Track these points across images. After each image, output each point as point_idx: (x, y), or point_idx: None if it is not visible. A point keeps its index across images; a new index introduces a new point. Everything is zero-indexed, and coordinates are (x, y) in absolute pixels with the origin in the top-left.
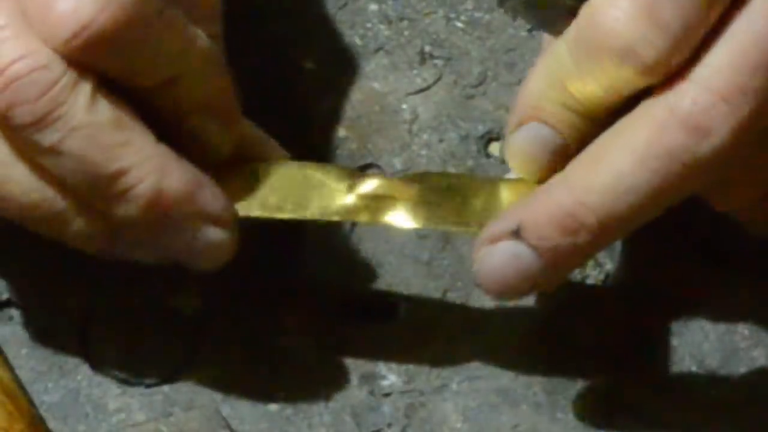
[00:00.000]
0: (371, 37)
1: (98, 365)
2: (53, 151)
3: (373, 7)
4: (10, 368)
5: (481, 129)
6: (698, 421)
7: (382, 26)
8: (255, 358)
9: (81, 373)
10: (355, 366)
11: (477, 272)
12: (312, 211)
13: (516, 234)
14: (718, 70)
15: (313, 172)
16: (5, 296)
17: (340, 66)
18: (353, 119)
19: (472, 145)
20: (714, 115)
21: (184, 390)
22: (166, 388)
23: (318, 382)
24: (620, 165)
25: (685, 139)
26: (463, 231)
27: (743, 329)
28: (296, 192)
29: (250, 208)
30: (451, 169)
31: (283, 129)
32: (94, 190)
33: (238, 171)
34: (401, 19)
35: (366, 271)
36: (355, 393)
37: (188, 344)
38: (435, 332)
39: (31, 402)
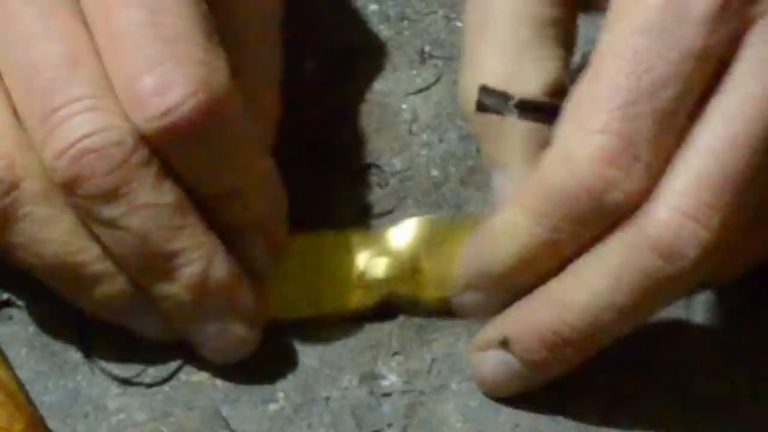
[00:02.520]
0: (371, 37)
1: (98, 365)
2: (112, 224)
3: (373, 7)
4: (10, 368)
5: None
6: (698, 420)
7: (382, 26)
8: (255, 358)
9: (81, 373)
10: (355, 366)
11: (472, 373)
12: (328, 309)
13: (504, 344)
14: (684, 191)
15: (322, 262)
16: (5, 296)
17: (340, 66)
18: (353, 119)
19: (472, 145)
20: (684, 236)
21: (184, 390)
22: (166, 388)
23: (318, 382)
24: (597, 285)
25: (657, 261)
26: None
27: (743, 329)
28: (310, 289)
29: (274, 308)
30: (452, 169)
31: (283, 129)
32: (143, 266)
33: None
34: (401, 19)
35: None
36: (355, 393)
37: (188, 344)
38: (435, 332)
39: (31, 402)
